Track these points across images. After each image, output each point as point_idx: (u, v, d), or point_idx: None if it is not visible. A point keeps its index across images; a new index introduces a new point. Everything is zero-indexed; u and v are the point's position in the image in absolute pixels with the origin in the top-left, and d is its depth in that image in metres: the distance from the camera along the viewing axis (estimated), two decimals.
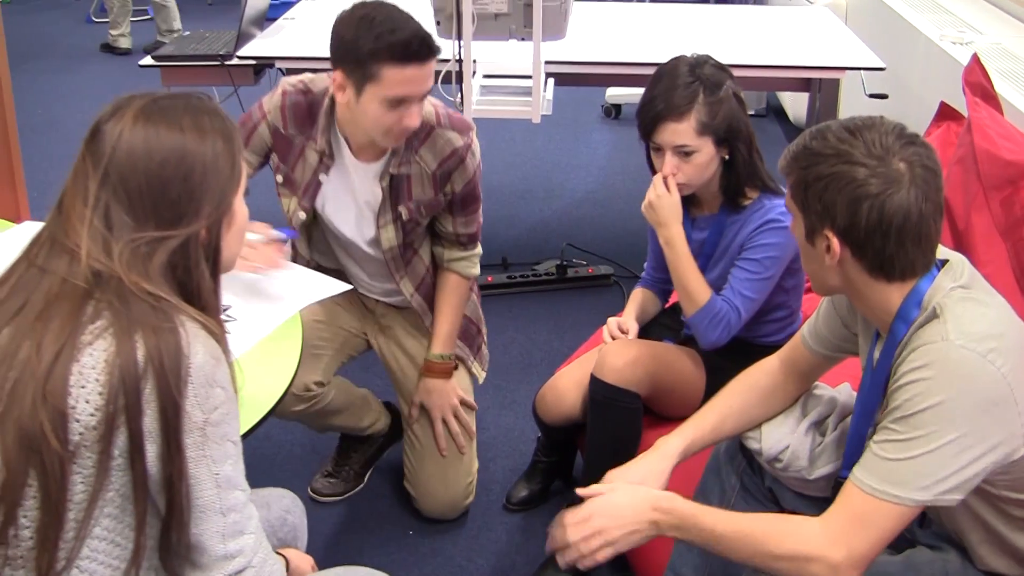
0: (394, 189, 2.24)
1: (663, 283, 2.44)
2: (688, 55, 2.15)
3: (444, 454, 2.43)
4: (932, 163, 1.43)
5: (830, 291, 1.57)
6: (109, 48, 6.67)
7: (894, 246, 1.43)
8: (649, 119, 2.10)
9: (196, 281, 1.29)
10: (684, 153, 2.08)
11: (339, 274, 2.39)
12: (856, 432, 1.61)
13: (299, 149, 2.24)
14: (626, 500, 1.57)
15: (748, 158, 2.12)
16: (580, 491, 1.64)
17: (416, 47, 1.99)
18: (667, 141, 2.08)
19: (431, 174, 2.24)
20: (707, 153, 2.09)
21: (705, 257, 2.22)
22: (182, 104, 1.30)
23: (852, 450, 1.61)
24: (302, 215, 2.28)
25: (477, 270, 2.44)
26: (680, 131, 2.06)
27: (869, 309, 1.53)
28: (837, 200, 1.42)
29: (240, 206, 1.36)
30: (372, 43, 1.97)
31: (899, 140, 1.43)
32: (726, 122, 2.07)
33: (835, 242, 1.45)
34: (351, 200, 2.28)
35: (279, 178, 2.29)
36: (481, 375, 2.59)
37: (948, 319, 1.41)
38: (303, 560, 1.64)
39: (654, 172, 2.17)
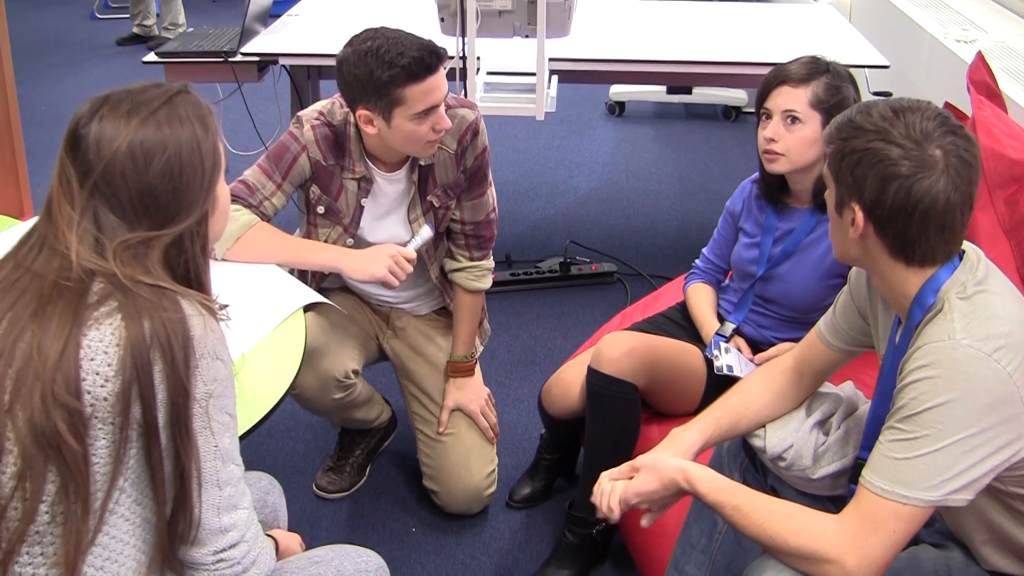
0: (421, 181, 2.30)
1: (720, 272, 2.44)
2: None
3: (494, 439, 2.52)
4: (969, 156, 1.42)
5: (850, 262, 1.58)
6: (139, 38, 6.70)
7: (916, 230, 1.43)
8: (767, 82, 2.13)
9: (192, 267, 1.32)
10: (791, 119, 2.09)
11: (345, 297, 2.50)
12: (874, 415, 1.60)
13: (339, 179, 2.28)
14: (655, 480, 1.62)
15: None
16: (606, 475, 1.70)
17: (428, 60, 2.06)
18: (779, 104, 2.10)
19: (453, 154, 2.30)
20: (812, 130, 2.08)
21: (784, 250, 2.21)
22: (158, 98, 1.30)
23: (870, 431, 1.61)
24: (350, 241, 2.33)
25: (483, 284, 2.46)
26: (795, 96, 2.09)
27: (887, 288, 1.53)
28: (867, 175, 1.43)
29: (223, 189, 1.38)
30: (387, 71, 2.04)
31: (940, 127, 1.42)
32: (841, 111, 2.08)
33: (860, 216, 1.46)
34: (385, 212, 2.34)
35: (320, 209, 2.31)
36: (479, 348, 2.63)
37: (956, 317, 1.40)
38: (292, 539, 1.67)
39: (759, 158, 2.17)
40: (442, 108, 2.14)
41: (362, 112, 2.12)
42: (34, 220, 1.32)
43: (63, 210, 1.26)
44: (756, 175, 2.30)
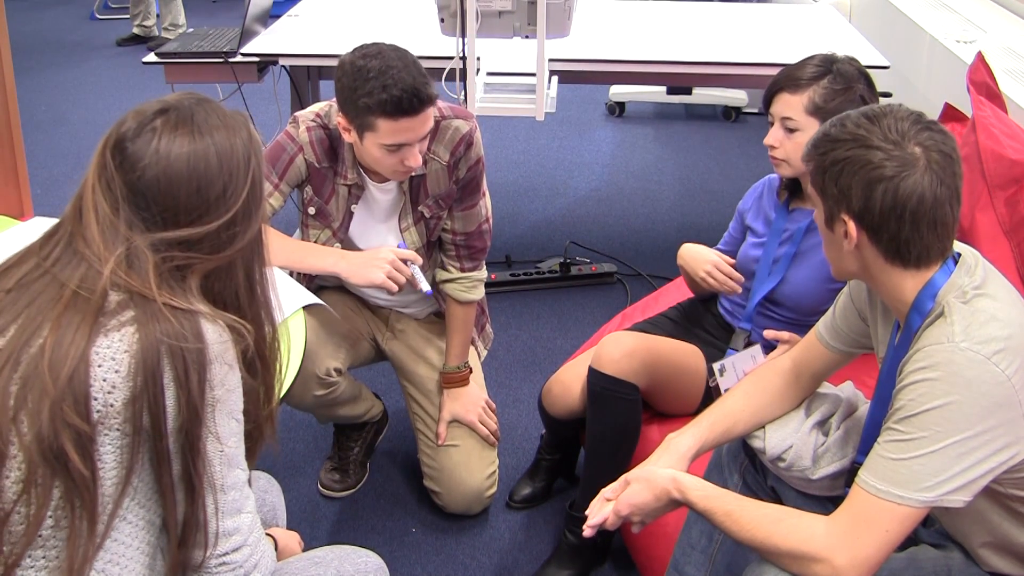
0: (413, 191, 2.30)
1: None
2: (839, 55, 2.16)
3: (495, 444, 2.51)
4: (948, 149, 1.44)
5: (849, 276, 1.58)
6: (139, 39, 6.70)
7: (909, 230, 1.43)
8: (769, 87, 2.14)
9: (238, 295, 1.32)
10: (789, 129, 2.09)
11: (342, 296, 2.49)
12: (872, 419, 1.61)
13: (331, 183, 2.28)
14: (647, 492, 1.63)
15: None
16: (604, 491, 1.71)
17: (407, 104, 2.03)
18: (777, 111, 2.11)
19: (446, 165, 2.28)
20: (810, 135, 2.07)
21: (788, 251, 2.21)
22: (215, 123, 1.29)
23: (868, 435, 1.61)
24: (338, 245, 2.33)
25: (474, 295, 2.45)
26: (791, 103, 2.08)
27: (886, 295, 1.54)
28: (852, 183, 1.43)
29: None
30: (365, 97, 2.03)
31: (915, 126, 1.43)
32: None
33: (851, 226, 1.46)
34: (375, 220, 2.34)
35: (311, 211, 2.32)
36: (483, 352, 2.62)
37: (956, 321, 1.40)
38: (291, 538, 1.67)
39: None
40: (416, 147, 2.11)
41: (340, 120, 2.13)
42: (33, 220, 1.31)
43: (99, 208, 1.24)
44: (771, 175, 2.32)
